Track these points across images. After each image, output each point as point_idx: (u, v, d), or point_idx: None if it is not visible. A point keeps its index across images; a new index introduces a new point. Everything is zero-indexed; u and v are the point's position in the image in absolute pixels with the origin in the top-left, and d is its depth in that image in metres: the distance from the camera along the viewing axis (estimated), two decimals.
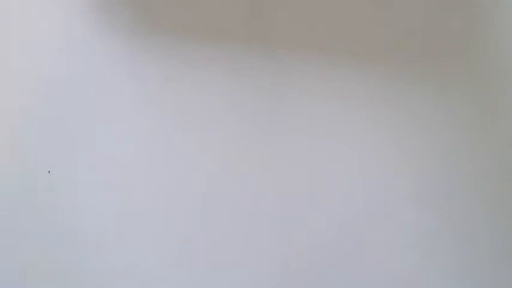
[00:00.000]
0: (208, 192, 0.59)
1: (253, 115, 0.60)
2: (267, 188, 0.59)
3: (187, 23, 0.61)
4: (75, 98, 0.59)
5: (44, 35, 0.59)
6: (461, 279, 0.60)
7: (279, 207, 0.59)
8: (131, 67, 0.60)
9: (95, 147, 0.59)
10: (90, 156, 0.58)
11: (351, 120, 0.61)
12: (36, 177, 0.58)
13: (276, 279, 0.59)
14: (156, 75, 0.60)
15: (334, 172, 0.60)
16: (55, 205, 0.58)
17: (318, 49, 0.61)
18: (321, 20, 0.62)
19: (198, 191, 0.59)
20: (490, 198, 0.61)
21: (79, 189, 0.58)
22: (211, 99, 0.60)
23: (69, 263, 0.57)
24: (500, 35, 0.63)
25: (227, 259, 0.59)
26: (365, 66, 0.61)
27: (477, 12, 0.63)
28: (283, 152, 0.60)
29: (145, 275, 0.58)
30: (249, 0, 0.61)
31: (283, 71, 0.61)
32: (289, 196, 0.60)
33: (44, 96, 0.59)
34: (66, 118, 0.59)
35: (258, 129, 0.60)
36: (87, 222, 0.58)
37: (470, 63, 0.62)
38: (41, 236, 0.57)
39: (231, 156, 0.60)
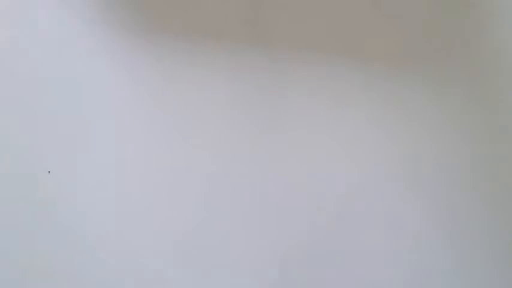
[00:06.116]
0: (208, 191, 0.59)
1: (253, 114, 0.60)
2: (267, 186, 0.59)
3: (187, 23, 0.61)
4: (75, 98, 0.59)
5: (43, 34, 0.59)
6: (461, 280, 0.60)
7: (279, 206, 0.59)
8: (131, 67, 0.60)
9: (95, 147, 0.59)
10: (90, 156, 0.58)
11: (350, 119, 0.61)
12: (36, 177, 0.58)
13: (275, 279, 0.59)
14: (155, 75, 0.60)
15: (334, 170, 0.60)
16: (55, 205, 0.58)
17: (317, 49, 0.61)
18: (320, 19, 0.62)
19: (198, 190, 0.59)
20: (490, 198, 0.61)
21: (79, 189, 0.58)
22: (211, 98, 0.60)
23: (69, 263, 0.57)
24: (500, 35, 0.63)
25: (226, 258, 0.59)
26: (364, 66, 0.61)
27: (477, 13, 0.63)
28: (283, 151, 0.60)
29: (145, 275, 0.58)
30: (249, 0, 0.61)
31: (283, 70, 0.61)
32: (289, 194, 0.60)
33: (43, 96, 0.59)
34: (66, 118, 0.59)
35: (258, 129, 0.60)
36: (87, 222, 0.58)
37: (470, 63, 0.62)
38: (41, 236, 0.57)
39: (231, 156, 0.60)
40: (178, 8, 0.61)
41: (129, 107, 0.59)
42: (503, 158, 0.61)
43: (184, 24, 0.61)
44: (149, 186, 0.59)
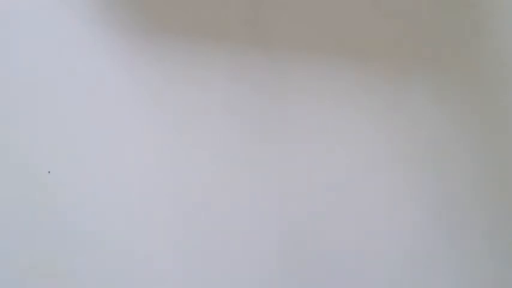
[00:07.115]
0: (208, 191, 0.59)
1: (253, 114, 0.60)
2: (267, 186, 0.60)
3: (187, 23, 0.61)
4: (75, 98, 0.59)
5: (43, 34, 0.59)
6: (461, 280, 0.60)
7: (279, 206, 0.59)
8: (131, 67, 0.60)
9: (95, 147, 0.59)
10: (90, 156, 0.58)
11: (350, 119, 0.61)
12: (36, 177, 0.58)
13: (274, 278, 0.59)
14: (155, 75, 0.60)
15: (333, 170, 0.60)
16: (55, 205, 0.58)
17: (317, 49, 0.61)
18: (320, 20, 0.62)
19: (198, 190, 0.59)
20: (490, 198, 0.61)
21: (79, 189, 0.58)
22: (211, 98, 0.60)
23: (69, 263, 0.57)
24: (500, 35, 0.63)
25: (226, 258, 0.59)
26: (364, 66, 0.61)
27: (477, 13, 0.63)
28: (283, 151, 0.60)
29: (145, 275, 0.58)
30: (249, 0, 0.61)
31: (283, 70, 0.61)
32: (289, 194, 0.60)
33: (44, 96, 0.59)
34: (66, 118, 0.59)
35: (258, 128, 0.60)
36: (87, 222, 0.58)
37: (470, 63, 0.62)
38: (41, 236, 0.57)
39: (231, 155, 0.60)
40: (178, 8, 0.61)
41: (129, 107, 0.59)
42: (503, 158, 0.61)
43: (184, 24, 0.61)
44: (149, 186, 0.59)
